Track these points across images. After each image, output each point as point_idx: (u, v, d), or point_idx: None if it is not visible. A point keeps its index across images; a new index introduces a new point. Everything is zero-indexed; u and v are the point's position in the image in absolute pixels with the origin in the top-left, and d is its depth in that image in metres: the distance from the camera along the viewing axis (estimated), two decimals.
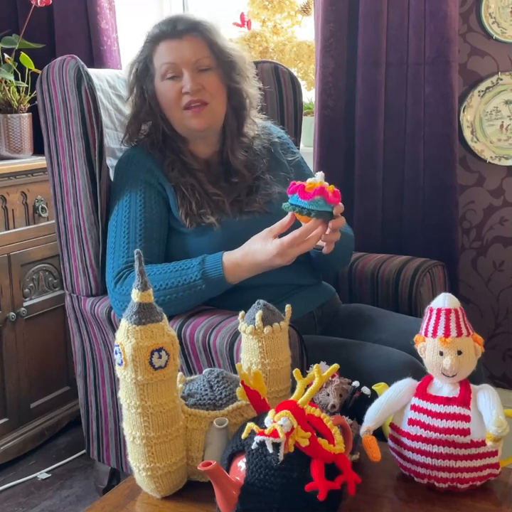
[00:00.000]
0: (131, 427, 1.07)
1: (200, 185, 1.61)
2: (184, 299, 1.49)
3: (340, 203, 1.40)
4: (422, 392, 1.11)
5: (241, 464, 0.99)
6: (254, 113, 1.73)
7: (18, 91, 2.27)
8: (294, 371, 1.03)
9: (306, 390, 1.00)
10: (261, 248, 1.43)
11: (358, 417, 1.16)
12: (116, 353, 1.04)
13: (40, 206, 2.23)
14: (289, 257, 1.41)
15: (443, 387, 1.10)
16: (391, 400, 1.12)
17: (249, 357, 1.19)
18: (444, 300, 1.10)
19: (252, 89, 1.69)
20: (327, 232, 1.41)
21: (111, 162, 1.77)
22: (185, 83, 1.58)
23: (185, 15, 1.64)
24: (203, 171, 1.65)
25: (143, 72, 1.63)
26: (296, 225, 1.41)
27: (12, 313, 2.16)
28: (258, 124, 1.75)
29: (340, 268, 1.83)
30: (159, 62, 1.60)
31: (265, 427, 0.96)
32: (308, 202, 1.36)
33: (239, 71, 1.64)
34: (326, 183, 1.37)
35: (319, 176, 1.38)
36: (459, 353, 1.07)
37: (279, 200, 1.62)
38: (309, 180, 1.38)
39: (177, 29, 1.59)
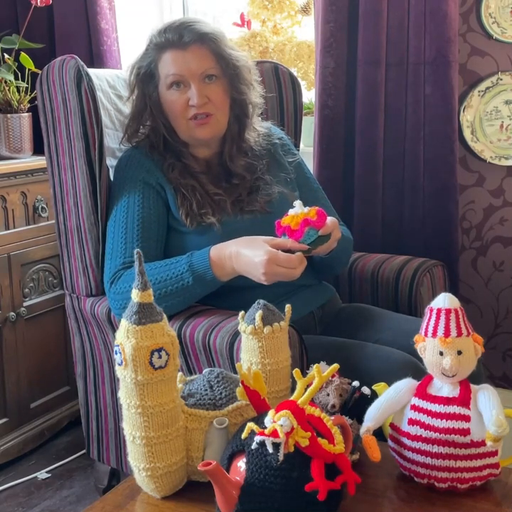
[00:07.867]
0: (131, 427, 1.07)
1: (202, 186, 1.62)
2: (173, 295, 1.47)
3: (328, 223, 1.41)
4: (422, 392, 1.11)
5: (241, 464, 0.99)
6: (256, 120, 1.73)
7: (18, 91, 2.27)
8: (294, 371, 1.03)
9: (306, 390, 1.00)
10: (252, 249, 1.41)
11: (358, 417, 1.16)
12: (116, 353, 1.04)
13: (40, 206, 2.23)
14: (272, 271, 1.37)
15: (443, 387, 1.10)
16: (391, 399, 1.12)
17: (249, 357, 1.19)
18: (444, 300, 1.10)
19: (256, 97, 1.69)
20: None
21: (111, 162, 1.77)
22: (191, 96, 1.57)
23: (192, 24, 1.59)
24: (204, 173, 1.66)
25: (146, 77, 1.62)
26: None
27: (12, 313, 2.16)
28: (259, 126, 1.75)
29: (339, 271, 1.83)
30: (164, 71, 1.59)
31: (265, 427, 0.96)
32: (302, 239, 1.38)
33: (243, 81, 1.64)
34: (306, 209, 1.40)
35: (298, 204, 1.41)
36: (459, 353, 1.07)
37: (280, 200, 1.63)
38: (290, 213, 1.40)
39: (183, 40, 1.56)
